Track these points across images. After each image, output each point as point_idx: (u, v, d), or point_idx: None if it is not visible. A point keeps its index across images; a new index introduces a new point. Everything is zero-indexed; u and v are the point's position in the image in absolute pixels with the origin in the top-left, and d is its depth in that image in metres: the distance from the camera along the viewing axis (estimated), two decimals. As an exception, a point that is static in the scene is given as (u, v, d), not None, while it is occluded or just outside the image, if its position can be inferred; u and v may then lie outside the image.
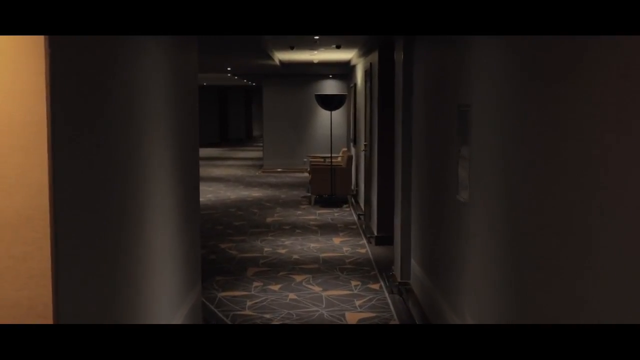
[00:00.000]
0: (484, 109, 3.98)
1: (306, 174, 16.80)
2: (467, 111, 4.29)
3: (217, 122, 33.90)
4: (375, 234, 9.13)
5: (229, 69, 15.67)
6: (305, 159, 17.82)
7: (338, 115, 17.42)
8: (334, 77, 18.44)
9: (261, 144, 20.02)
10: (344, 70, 16.59)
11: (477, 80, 4.13)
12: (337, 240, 9.31)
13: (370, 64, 10.06)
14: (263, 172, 18.76)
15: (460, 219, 4.58)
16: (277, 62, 13.28)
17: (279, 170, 18.76)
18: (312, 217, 11.29)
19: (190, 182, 5.38)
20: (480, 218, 4.06)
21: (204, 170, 19.36)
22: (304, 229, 10.14)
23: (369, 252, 8.57)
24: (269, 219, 11.05)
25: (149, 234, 4.04)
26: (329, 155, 13.61)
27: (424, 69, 6.06)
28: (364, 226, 10.21)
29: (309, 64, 14.45)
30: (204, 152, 27.49)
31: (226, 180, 16.92)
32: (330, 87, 18.51)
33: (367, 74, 10.52)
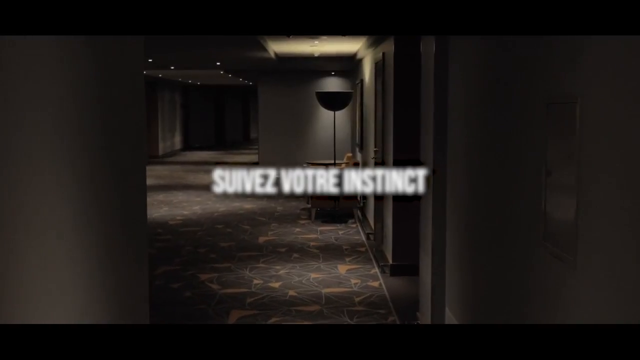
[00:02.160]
0: (608, 104, 2.31)
1: (306, 182, 15.11)
2: (571, 108, 2.60)
3: (213, 123, 32.31)
4: (390, 261, 7.44)
5: (218, 63, 13.99)
6: (304, 166, 16.11)
7: (341, 116, 15.70)
8: (337, 74, 16.70)
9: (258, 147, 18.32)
10: (348, 66, 14.90)
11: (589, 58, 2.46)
12: (342, 269, 7.62)
13: (383, 54, 8.38)
14: (258, 179, 17.05)
15: (549, 279, 2.90)
16: (273, 55, 11.63)
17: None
18: (313, 235, 9.61)
19: (128, 207, 3.71)
20: (596, 285, 2.39)
21: (194, 177, 17.66)
22: (302, 253, 8.45)
23: (383, 286, 6.88)
24: (261, 239, 9.36)
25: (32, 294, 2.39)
26: (332, 161, 11.96)
27: (472, 62, 4.38)
28: (374, 249, 8.51)
29: (308, 58, 12.79)
30: (196, 156, 25.86)
31: (217, 189, 15.19)
32: (333, 85, 16.77)
33: (379, 67, 8.84)
